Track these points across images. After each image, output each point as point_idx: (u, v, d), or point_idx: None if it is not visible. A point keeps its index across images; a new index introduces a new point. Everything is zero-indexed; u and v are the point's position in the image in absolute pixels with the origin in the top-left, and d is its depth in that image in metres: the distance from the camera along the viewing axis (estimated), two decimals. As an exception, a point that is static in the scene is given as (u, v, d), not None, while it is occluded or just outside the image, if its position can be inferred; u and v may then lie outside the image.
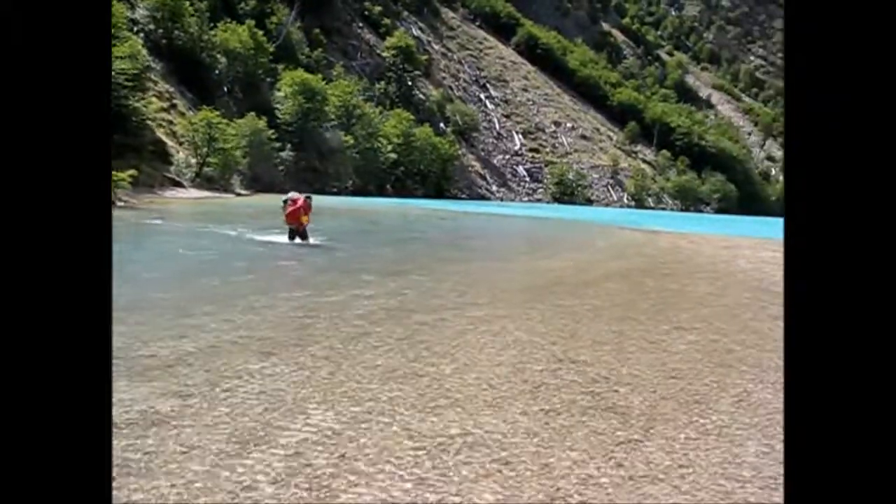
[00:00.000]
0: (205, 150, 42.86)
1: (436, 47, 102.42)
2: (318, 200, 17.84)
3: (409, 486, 3.56)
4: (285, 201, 16.02)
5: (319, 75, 63.43)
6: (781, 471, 4.03)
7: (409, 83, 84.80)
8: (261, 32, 60.12)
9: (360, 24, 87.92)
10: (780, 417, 5.09)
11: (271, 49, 61.14)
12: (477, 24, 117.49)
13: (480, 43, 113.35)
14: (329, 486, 3.50)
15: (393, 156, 65.76)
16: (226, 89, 56.67)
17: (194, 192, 38.30)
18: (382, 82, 79.21)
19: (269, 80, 60.73)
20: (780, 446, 4.51)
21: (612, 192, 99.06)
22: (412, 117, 72.35)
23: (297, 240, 15.73)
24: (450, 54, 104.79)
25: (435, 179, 73.04)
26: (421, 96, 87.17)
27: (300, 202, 15.69)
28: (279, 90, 58.89)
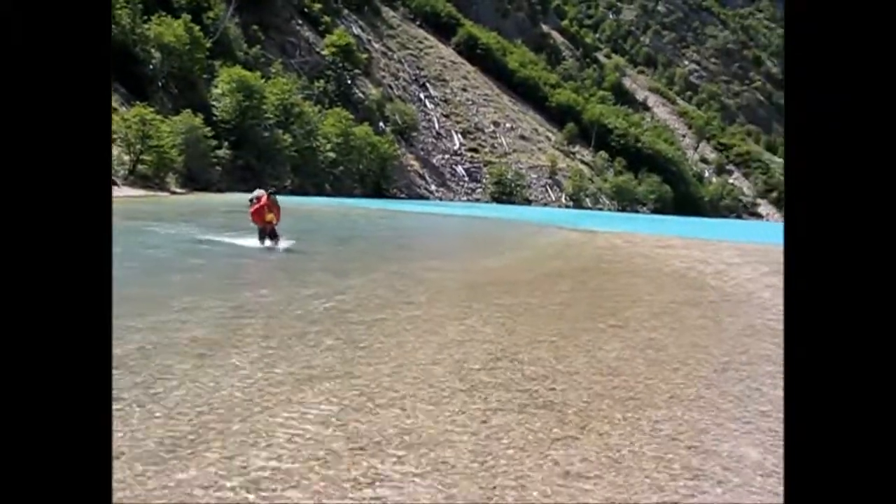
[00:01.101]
0: (138, 147, 41.89)
1: (376, 46, 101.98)
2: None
3: (346, 486, 3.54)
4: (251, 200, 15.18)
5: (258, 72, 62.43)
6: (711, 463, 4.14)
7: (349, 82, 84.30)
8: (197, 27, 58.73)
9: (300, 22, 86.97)
10: (713, 412, 5.21)
11: (208, 45, 59.87)
12: (417, 23, 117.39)
13: (421, 42, 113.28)
14: (265, 488, 3.45)
15: (332, 155, 65.27)
16: (160, 85, 55.39)
17: (127, 191, 37.38)
18: (321, 80, 78.35)
19: (205, 76, 59.61)
20: (709, 439, 4.62)
21: (550, 192, 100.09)
22: (351, 116, 71.81)
23: (268, 242, 14.90)
24: (390, 53, 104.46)
25: (374, 179, 72.77)
26: (360, 95, 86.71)
27: (263, 199, 14.83)
28: (216, 87, 57.80)
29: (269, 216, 14.80)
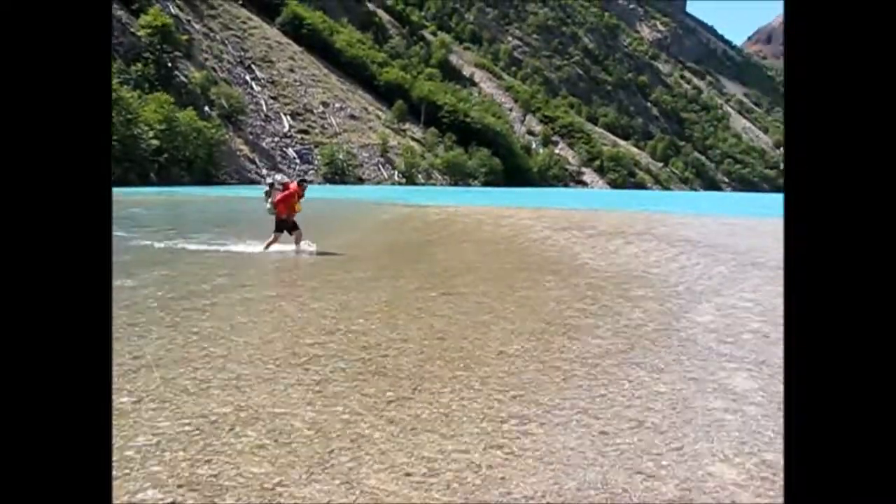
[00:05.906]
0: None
1: (196, 27, 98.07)
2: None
3: (183, 465, 3.55)
4: (271, 185, 13.37)
5: (67, 56, 58.55)
6: (535, 410, 4.44)
7: (169, 65, 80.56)
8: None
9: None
10: (534, 364, 5.56)
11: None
12: (240, 2, 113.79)
13: (244, 22, 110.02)
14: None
15: (155, 142, 62.23)
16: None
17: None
18: (139, 64, 74.42)
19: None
20: (532, 389, 4.95)
21: (382, 170, 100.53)
22: (174, 101, 68.87)
23: (275, 246, 13.14)
24: (212, 34, 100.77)
25: (202, 165, 70.15)
26: (182, 79, 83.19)
27: (293, 187, 13.19)
28: (19, 73, 53.79)
29: (299, 206, 13.28)
